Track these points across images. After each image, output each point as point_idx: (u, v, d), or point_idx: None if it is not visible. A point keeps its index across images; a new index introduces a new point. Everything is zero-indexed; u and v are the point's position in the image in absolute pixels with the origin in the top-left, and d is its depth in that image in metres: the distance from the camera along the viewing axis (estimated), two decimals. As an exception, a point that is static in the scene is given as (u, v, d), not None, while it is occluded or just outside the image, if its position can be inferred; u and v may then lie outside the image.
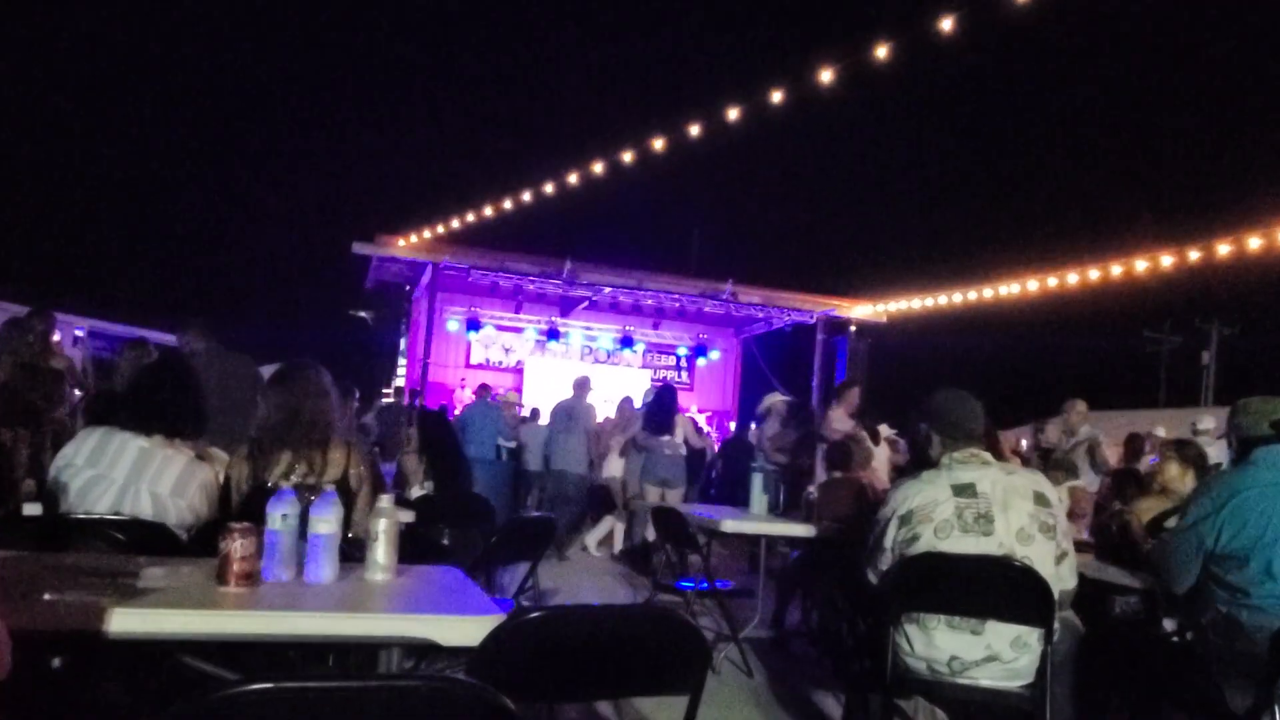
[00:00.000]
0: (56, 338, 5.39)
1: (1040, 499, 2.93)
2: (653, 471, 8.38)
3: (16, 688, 1.52)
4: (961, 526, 2.87)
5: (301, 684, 1.34)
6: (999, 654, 2.82)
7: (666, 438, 8.43)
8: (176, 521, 2.92)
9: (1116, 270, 11.56)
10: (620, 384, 16.16)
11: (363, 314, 21.84)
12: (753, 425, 10.65)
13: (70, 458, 2.88)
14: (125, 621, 1.86)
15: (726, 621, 5.16)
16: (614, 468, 9.78)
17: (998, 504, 2.89)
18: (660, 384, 11.49)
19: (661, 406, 8.69)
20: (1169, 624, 3.46)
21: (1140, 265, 11.24)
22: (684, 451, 8.55)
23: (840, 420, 7.70)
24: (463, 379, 16.03)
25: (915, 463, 4.76)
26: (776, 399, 8.97)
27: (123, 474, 2.86)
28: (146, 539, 2.74)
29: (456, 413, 11.54)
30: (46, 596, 1.93)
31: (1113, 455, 8.16)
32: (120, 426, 2.94)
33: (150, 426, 2.96)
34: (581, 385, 10.34)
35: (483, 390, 11.55)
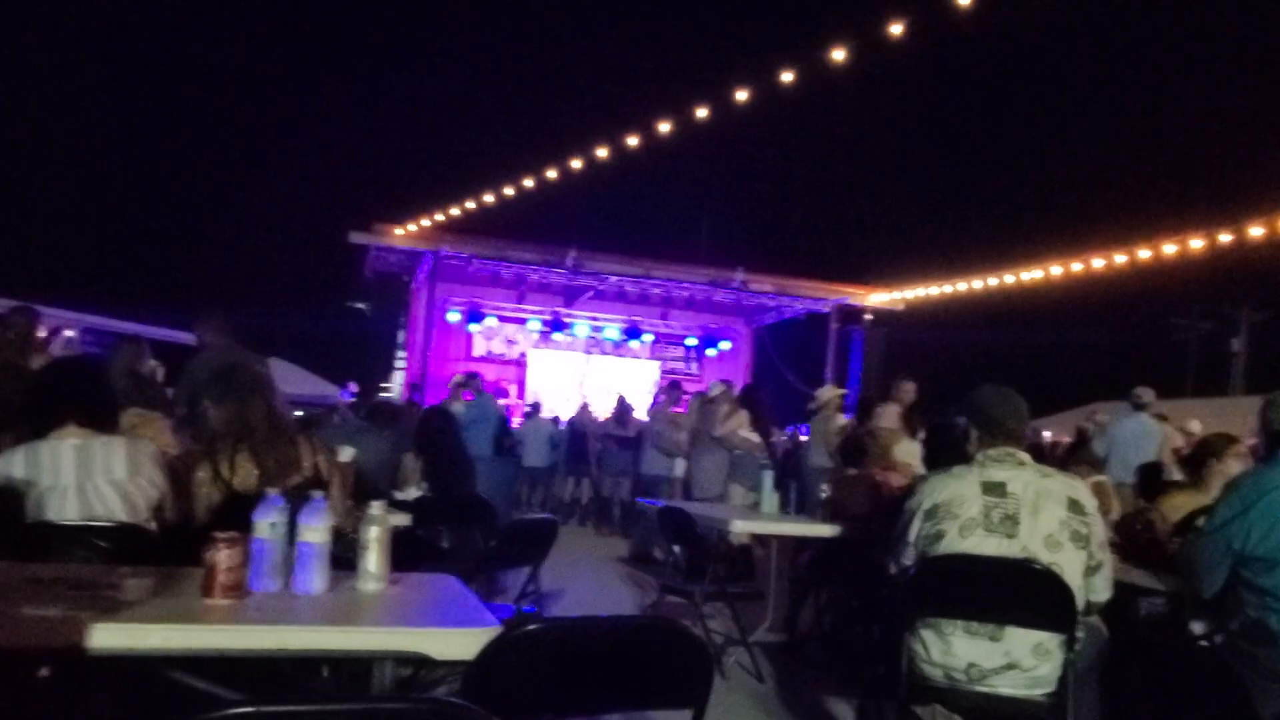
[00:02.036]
0: (42, 334, 5.29)
1: (1075, 506, 2.84)
2: (747, 473, 7.69)
3: (2, 700, 1.46)
4: (987, 526, 2.80)
5: (283, 707, 1.30)
6: (1019, 661, 2.73)
7: (758, 438, 7.98)
8: (144, 503, 2.85)
9: (1143, 254, 11.42)
10: (627, 376, 16.12)
11: (360, 305, 21.81)
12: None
13: (4, 478, 2.76)
14: (108, 637, 1.81)
15: (736, 625, 5.08)
16: (679, 467, 9.47)
17: (1027, 506, 2.81)
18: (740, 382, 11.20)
19: (758, 404, 8.29)
20: (1197, 627, 3.35)
21: (1168, 249, 11.09)
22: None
23: (890, 417, 7.47)
24: (465, 372, 15.97)
25: (931, 459, 4.69)
26: (833, 392, 8.75)
27: (71, 477, 2.77)
28: (128, 544, 2.67)
29: (455, 407, 11.36)
30: (27, 611, 1.87)
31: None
32: (39, 434, 2.84)
33: (74, 420, 2.86)
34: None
35: (471, 379, 11.12)
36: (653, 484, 9.64)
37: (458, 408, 10.60)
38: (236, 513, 2.32)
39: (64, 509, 2.75)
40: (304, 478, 3.02)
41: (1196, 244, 10.75)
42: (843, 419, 8.24)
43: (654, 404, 11.40)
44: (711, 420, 8.11)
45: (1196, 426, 9.36)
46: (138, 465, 2.87)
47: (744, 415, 7.98)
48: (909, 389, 7.93)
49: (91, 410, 2.91)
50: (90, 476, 2.79)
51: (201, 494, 2.97)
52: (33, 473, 2.76)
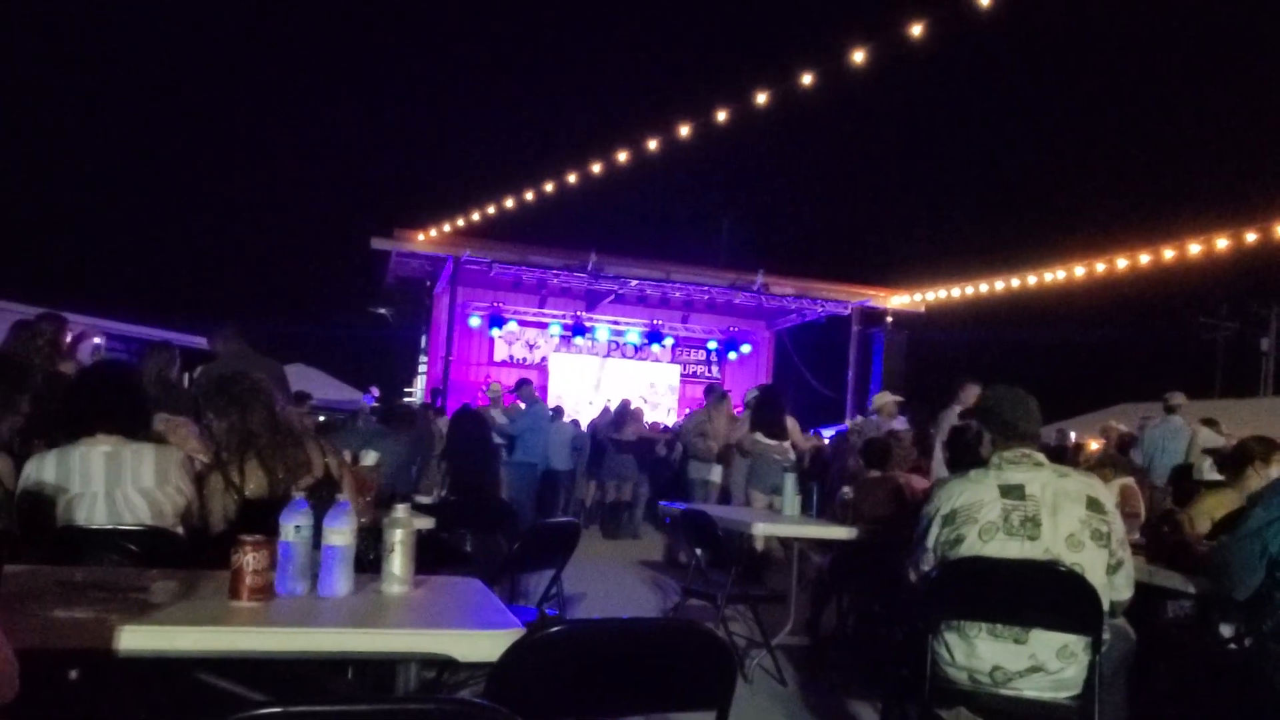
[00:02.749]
0: (69, 340, 5.33)
1: (1094, 504, 2.81)
2: (764, 478, 7.62)
3: (31, 703, 1.48)
4: (1007, 529, 2.78)
5: (310, 708, 1.31)
6: (1044, 664, 2.71)
7: (774, 442, 7.85)
8: (172, 511, 2.89)
9: (1168, 253, 11.28)
10: (648, 379, 16.13)
11: (383, 311, 21.87)
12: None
13: (36, 482, 2.82)
14: (136, 639, 1.83)
15: (758, 627, 5.06)
16: (715, 473, 9.39)
17: (1047, 508, 2.79)
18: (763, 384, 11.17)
19: (772, 407, 8.18)
20: (1226, 630, 3.32)
21: (1193, 248, 10.96)
22: (793, 456, 7.93)
23: (952, 420, 7.36)
24: (486, 376, 16.01)
25: (952, 462, 4.66)
26: (889, 398, 8.67)
27: (101, 484, 2.81)
28: (156, 548, 2.71)
29: (495, 415, 11.14)
30: (57, 614, 1.89)
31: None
32: (72, 439, 2.88)
33: (104, 428, 2.90)
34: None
35: (522, 386, 10.93)
36: (692, 489, 9.57)
37: (497, 415, 10.60)
38: (252, 520, 2.34)
39: (93, 515, 2.79)
40: (315, 479, 3.05)
41: (1223, 243, 10.63)
42: (897, 423, 8.20)
43: (690, 410, 11.41)
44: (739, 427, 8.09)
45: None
46: (166, 474, 2.90)
47: (745, 420, 7.99)
48: (973, 391, 7.82)
49: (124, 418, 2.95)
50: (119, 484, 2.83)
51: (216, 504, 3.01)
52: (64, 478, 2.80)
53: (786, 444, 7.85)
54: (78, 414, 2.95)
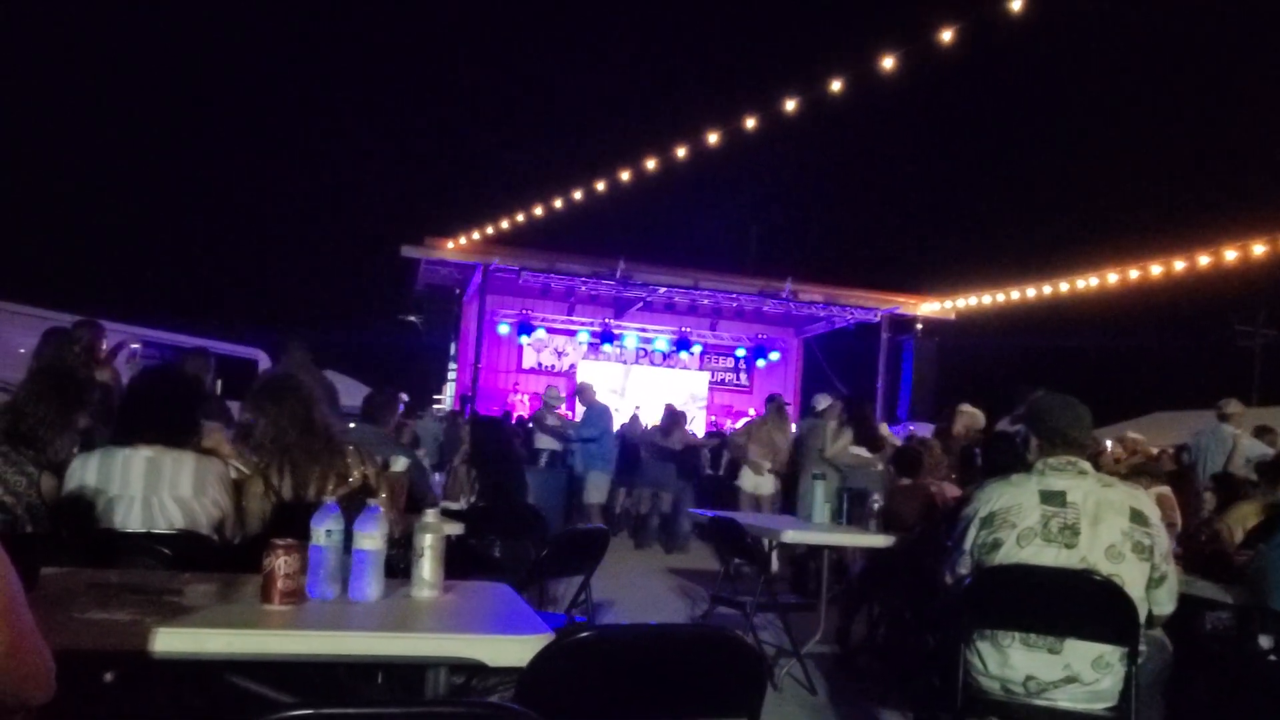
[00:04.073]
0: (105, 347, 5.40)
1: (1138, 517, 2.77)
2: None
3: (67, 703, 1.50)
4: (1045, 536, 2.75)
5: (342, 710, 1.33)
6: (1079, 674, 2.67)
7: (871, 455, 7.68)
8: (206, 521, 2.92)
9: (1203, 260, 11.11)
10: (677, 387, 16.10)
11: (412, 318, 22.02)
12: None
13: (79, 483, 2.87)
14: (170, 641, 1.84)
15: (788, 636, 5.03)
16: (766, 485, 9.22)
17: (1088, 517, 2.75)
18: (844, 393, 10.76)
19: (869, 419, 8.06)
20: (1265, 641, 3.25)
21: (1229, 254, 10.78)
22: (880, 467, 7.78)
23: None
24: (515, 383, 16.05)
25: (987, 468, 4.60)
26: (970, 411, 8.53)
27: (139, 488, 2.85)
28: (190, 551, 2.73)
29: (550, 421, 10.78)
30: (93, 615, 1.91)
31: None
32: (118, 443, 2.92)
33: (148, 436, 2.94)
34: None
35: (585, 390, 10.71)
36: (740, 501, 9.31)
37: (553, 421, 10.48)
38: (289, 523, 2.35)
39: (128, 519, 2.83)
40: (352, 488, 3.06)
41: (1260, 248, 10.45)
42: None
43: (748, 420, 11.23)
44: (818, 437, 7.86)
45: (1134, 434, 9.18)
46: (203, 484, 2.93)
47: (849, 433, 7.71)
48: (967, 414, 7.73)
49: (171, 426, 2.98)
50: (157, 489, 2.86)
51: (255, 506, 3.04)
52: (104, 479, 2.85)
53: (877, 456, 7.64)
54: (128, 418, 3.00)
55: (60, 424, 3.10)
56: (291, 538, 2.18)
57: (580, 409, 10.48)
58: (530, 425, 11.17)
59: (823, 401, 8.46)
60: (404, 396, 16.75)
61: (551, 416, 10.92)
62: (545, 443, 10.54)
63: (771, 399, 10.25)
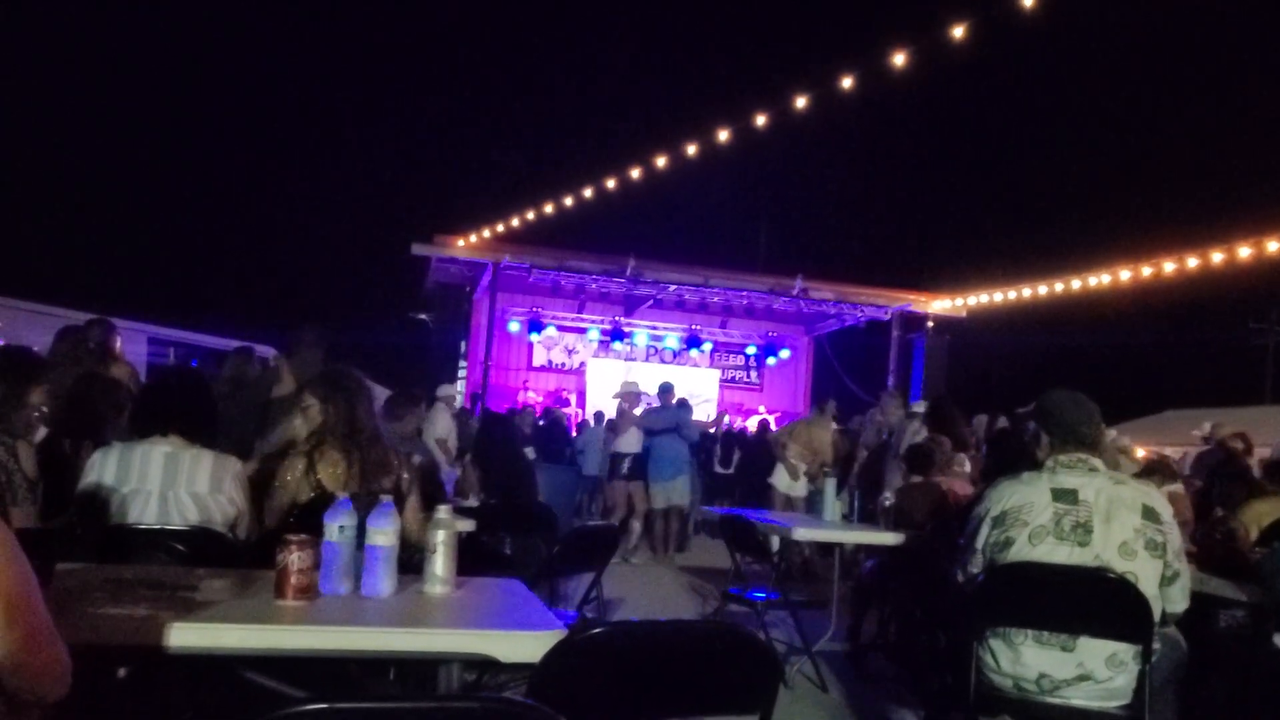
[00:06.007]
0: (119, 344, 5.42)
1: (1150, 514, 2.76)
2: None
3: (82, 698, 1.51)
4: (1057, 534, 2.73)
5: (355, 705, 1.32)
6: (1092, 672, 2.66)
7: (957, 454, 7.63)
8: (221, 519, 2.93)
9: (1217, 257, 11.03)
10: (687, 385, 16.08)
11: (422, 316, 22.04)
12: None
13: (98, 478, 2.88)
14: (184, 636, 1.85)
15: (799, 634, 5.02)
16: (800, 488, 9.05)
17: (1100, 514, 2.74)
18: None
19: (954, 419, 7.58)
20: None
21: (1243, 251, 10.71)
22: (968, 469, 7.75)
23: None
24: (525, 381, 16.06)
25: (995, 466, 4.59)
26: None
27: (156, 483, 2.87)
28: (204, 548, 2.74)
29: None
30: (108, 610, 1.92)
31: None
32: (138, 437, 2.94)
33: (166, 430, 2.96)
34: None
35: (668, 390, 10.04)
36: (772, 500, 9.15)
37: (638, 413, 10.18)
38: (318, 512, 2.33)
39: (144, 514, 2.84)
40: (390, 486, 3.03)
41: (1273, 245, 10.37)
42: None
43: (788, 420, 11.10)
44: (902, 437, 7.54)
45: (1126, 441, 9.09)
46: (220, 482, 2.95)
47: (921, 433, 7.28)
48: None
49: (188, 422, 3.00)
50: (173, 486, 2.88)
51: (289, 489, 2.97)
52: (122, 473, 2.87)
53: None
54: (146, 413, 3.03)
55: (15, 400, 3.04)
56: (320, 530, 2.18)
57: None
58: (611, 424, 10.50)
59: (922, 405, 8.21)
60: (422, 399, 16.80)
61: (636, 408, 10.02)
62: (628, 444, 9.65)
63: (818, 401, 10.06)
